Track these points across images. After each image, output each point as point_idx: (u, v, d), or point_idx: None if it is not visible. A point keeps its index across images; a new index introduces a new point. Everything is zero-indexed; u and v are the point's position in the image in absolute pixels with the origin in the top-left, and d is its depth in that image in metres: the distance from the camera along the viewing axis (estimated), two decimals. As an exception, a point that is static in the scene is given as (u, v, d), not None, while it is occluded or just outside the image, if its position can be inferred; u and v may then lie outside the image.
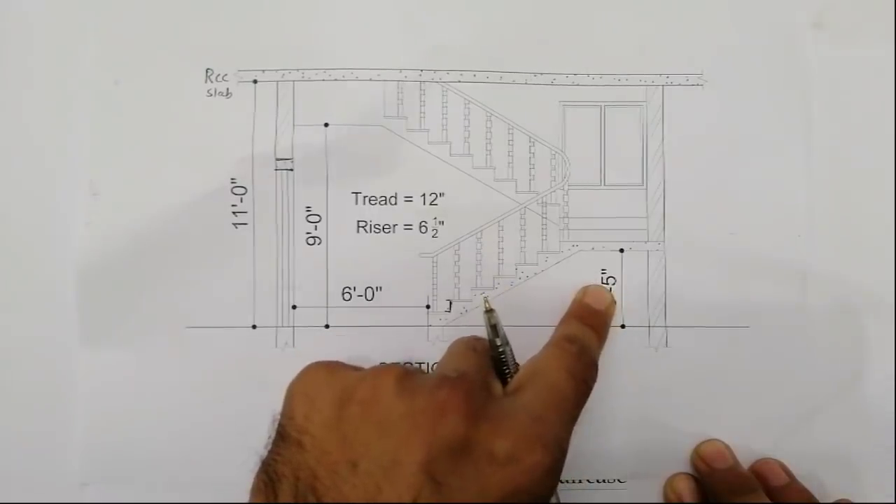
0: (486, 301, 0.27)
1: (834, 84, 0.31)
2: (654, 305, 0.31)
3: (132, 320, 0.30)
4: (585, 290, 0.30)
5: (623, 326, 0.30)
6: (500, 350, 0.26)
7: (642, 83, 0.31)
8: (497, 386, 0.24)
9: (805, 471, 0.30)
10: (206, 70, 0.30)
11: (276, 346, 0.30)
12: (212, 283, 0.30)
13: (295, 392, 0.23)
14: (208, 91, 0.31)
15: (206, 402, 0.29)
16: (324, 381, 0.22)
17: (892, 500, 0.29)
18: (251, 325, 0.30)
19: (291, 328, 0.30)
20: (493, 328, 0.26)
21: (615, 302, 0.30)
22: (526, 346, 0.29)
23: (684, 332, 0.30)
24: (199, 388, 0.29)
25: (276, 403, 0.24)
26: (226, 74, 0.31)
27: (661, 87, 0.31)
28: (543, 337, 0.30)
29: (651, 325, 0.30)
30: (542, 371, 0.24)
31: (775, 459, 0.29)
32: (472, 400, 0.21)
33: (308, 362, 0.28)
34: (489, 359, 0.25)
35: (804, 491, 0.29)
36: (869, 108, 0.31)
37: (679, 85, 0.31)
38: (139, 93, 0.30)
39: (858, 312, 0.30)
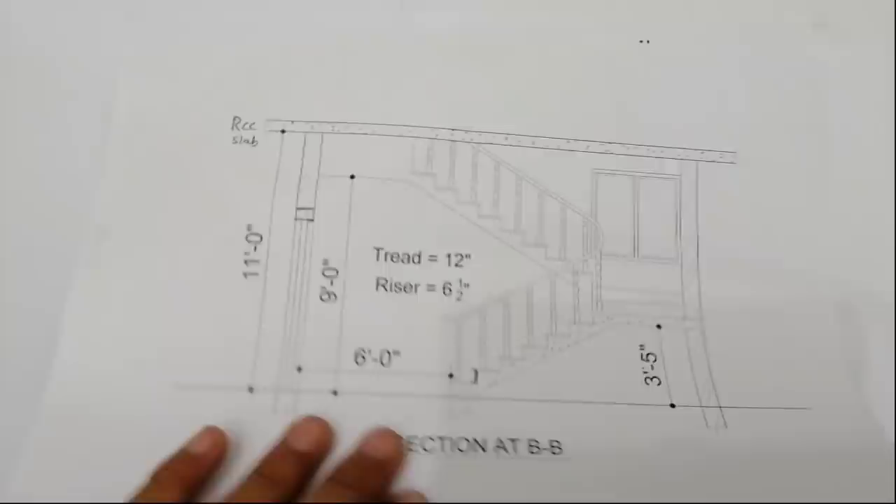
0: None
1: (834, 84, 0.31)
2: (702, 385, 0.28)
3: (122, 370, 0.26)
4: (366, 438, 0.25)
5: (672, 406, 0.27)
6: None
7: (676, 157, 0.31)
8: None
9: (805, 470, 0.27)
10: (234, 118, 0.30)
11: (275, 411, 0.26)
12: (210, 335, 0.27)
13: None
14: (234, 138, 0.30)
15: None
16: None
17: (893, 501, 0.26)
18: (247, 386, 0.26)
19: (294, 392, 0.26)
20: None
21: (402, 451, 0.25)
22: (557, 425, 0.26)
23: (743, 413, 0.27)
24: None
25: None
26: (253, 123, 0.30)
27: (695, 161, 0.31)
28: (575, 414, 0.27)
29: (704, 405, 0.27)
30: None
31: None
32: None
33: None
34: None
35: None
36: (869, 108, 0.31)
37: (713, 161, 0.31)
38: (163, 135, 0.29)
39: (858, 312, 0.29)
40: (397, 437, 0.25)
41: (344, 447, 0.25)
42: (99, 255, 0.28)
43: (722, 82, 0.32)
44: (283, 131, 0.30)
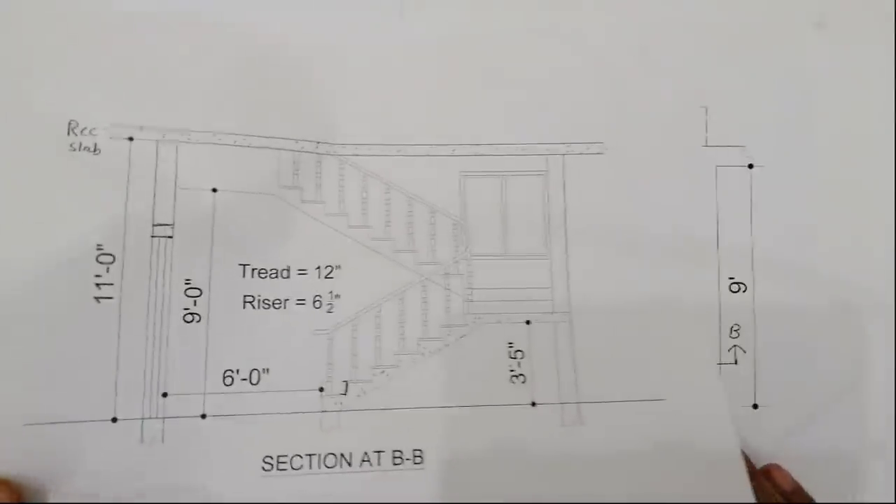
0: None
1: (834, 84, 0.31)
2: (565, 380, 0.29)
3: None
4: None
5: (533, 405, 0.29)
6: None
7: (543, 153, 0.31)
8: None
9: (805, 471, 0.28)
10: (70, 122, 0.27)
11: (143, 441, 0.26)
12: (61, 368, 0.26)
13: None
14: (71, 145, 0.27)
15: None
16: None
17: (893, 501, 0.28)
18: (111, 417, 0.26)
19: (161, 420, 0.26)
20: None
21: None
22: (420, 433, 0.27)
23: (599, 408, 0.29)
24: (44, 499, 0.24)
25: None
26: (94, 129, 0.27)
27: (561, 156, 0.31)
28: (439, 421, 0.27)
29: (563, 401, 0.29)
30: None
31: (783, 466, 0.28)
32: None
33: (180, 459, 0.25)
34: None
35: (809, 498, 0.28)
36: (869, 108, 0.31)
37: (579, 154, 0.31)
38: None
39: (858, 312, 0.30)
40: None
41: (211, 473, 0.25)
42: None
43: (575, 72, 0.31)
44: (130, 139, 0.28)
